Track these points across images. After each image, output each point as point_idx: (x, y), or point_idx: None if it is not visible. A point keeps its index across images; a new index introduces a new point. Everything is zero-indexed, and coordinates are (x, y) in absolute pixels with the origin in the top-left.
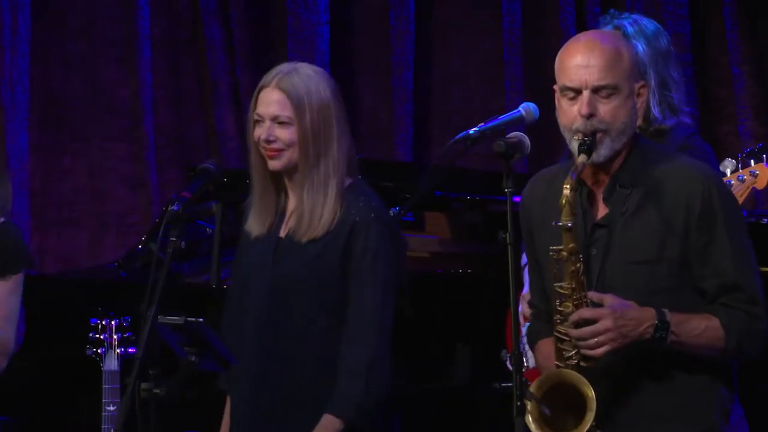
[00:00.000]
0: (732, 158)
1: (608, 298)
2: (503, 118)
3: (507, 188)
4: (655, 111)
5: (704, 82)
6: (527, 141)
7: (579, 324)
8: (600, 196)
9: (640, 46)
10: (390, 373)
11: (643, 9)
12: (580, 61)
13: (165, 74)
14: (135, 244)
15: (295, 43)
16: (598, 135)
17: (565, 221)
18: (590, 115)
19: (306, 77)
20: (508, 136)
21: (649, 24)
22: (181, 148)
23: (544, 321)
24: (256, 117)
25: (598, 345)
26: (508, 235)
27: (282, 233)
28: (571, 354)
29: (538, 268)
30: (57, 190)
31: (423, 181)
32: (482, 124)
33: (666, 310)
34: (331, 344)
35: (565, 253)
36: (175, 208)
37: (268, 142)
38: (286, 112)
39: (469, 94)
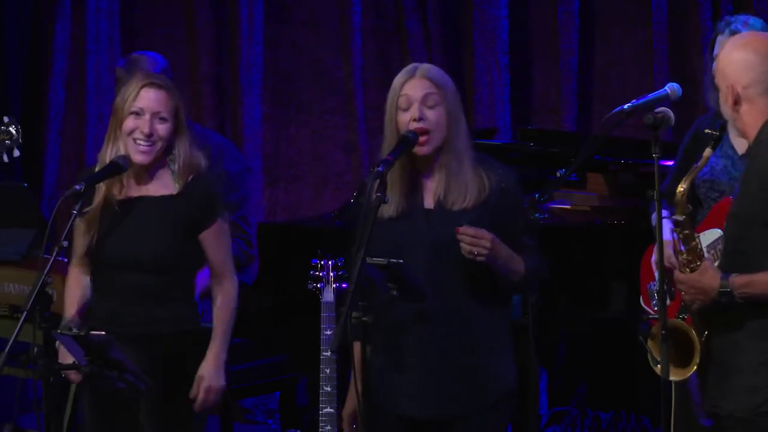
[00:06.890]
0: None
1: (704, 266)
2: (652, 95)
3: (654, 153)
4: None
5: None
6: (672, 115)
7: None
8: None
9: None
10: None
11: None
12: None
13: (373, 60)
14: (348, 198)
15: (479, 33)
16: None
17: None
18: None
19: (438, 69)
20: (656, 110)
21: (756, 22)
22: None
23: None
24: (402, 103)
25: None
26: (655, 192)
27: (428, 205)
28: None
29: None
30: (285, 153)
31: (585, 147)
32: (634, 100)
33: (732, 276)
34: (487, 300)
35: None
36: (380, 169)
37: (418, 120)
38: (435, 95)
39: (624, 76)
